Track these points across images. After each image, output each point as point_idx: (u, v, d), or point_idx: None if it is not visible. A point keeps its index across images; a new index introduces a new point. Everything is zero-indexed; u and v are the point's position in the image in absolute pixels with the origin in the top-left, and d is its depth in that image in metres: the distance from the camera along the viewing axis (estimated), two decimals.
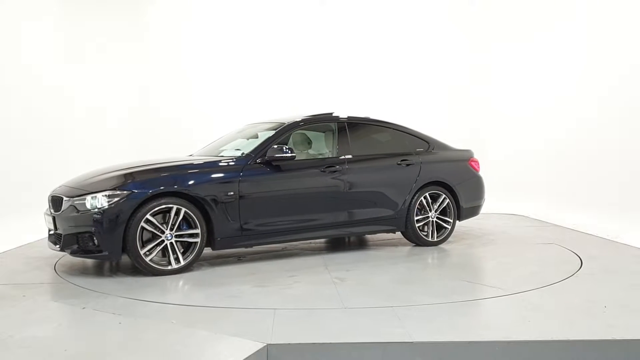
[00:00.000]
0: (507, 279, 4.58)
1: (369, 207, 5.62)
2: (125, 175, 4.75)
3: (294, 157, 5.10)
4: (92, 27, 8.72)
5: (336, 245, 6.18)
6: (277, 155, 5.06)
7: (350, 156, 5.57)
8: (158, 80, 9.54)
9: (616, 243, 6.04)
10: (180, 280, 4.52)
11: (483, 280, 4.56)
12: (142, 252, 4.49)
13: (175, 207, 4.59)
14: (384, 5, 9.67)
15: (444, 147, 6.28)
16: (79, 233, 4.54)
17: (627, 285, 4.29)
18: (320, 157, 5.63)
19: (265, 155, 5.09)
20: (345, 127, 5.73)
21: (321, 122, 5.79)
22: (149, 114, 9.51)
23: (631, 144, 6.45)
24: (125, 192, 4.49)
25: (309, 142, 5.81)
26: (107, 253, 4.46)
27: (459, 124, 9.01)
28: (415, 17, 9.68)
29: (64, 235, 4.64)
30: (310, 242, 6.22)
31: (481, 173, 6.41)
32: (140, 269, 4.58)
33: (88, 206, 4.51)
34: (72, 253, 4.64)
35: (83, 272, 4.86)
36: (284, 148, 5.09)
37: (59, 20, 8.08)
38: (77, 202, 4.59)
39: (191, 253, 4.70)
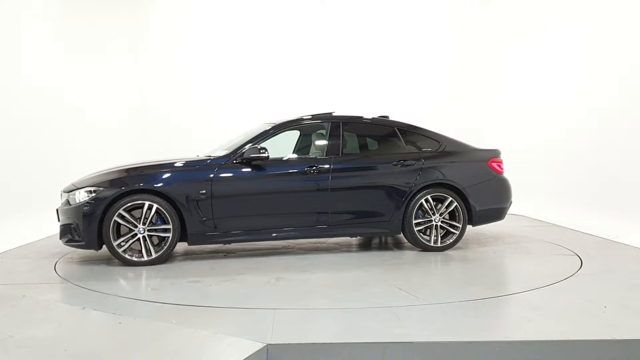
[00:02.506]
0: (496, 283, 4.57)
1: (355, 208, 5.47)
2: (106, 173, 5.17)
3: (268, 157, 5.21)
4: (92, 27, 8.71)
5: (343, 246, 6.15)
6: (252, 155, 5.19)
7: (336, 156, 5.48)
8: (158, 80, 9.54)
9: (616, 243, 6.04)
10: (130, 271, 4.84)
11: (430, 287, 4.28)
12: (115, 244, 4.89)
13: (147, 203, 4.91)
14: (384, 5, 9.67)
15: (460, 146, 5.91)
16: (69, 224, 5.01)
17: (627, 285, 4.29)
18: (308, 157, 5.59)
19: (242, 156, 5.22)
20: (339, 126, 5.64)
21: (313, 122, 5.75)
22: (149, 114, 9.51)
23: (631, 144, 6.45)
24: (100, 188, 4.95)
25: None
26: (84, 243, 4.92)
27: (458, 123, 8.99)
28: (415, 17, 9.68)
29: (60, 226, 5.12)
30: (321, 242, 6.17)
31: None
32: (115, 259, 5.01)
33: (76, 200, 4.99)
34: (65, 242, 5.08)
35: (83, 272, 4.87)
36: (260, 148, 5.20)
37: (59, 21, 8.08)
38: (70, 196, 5.06)
39: (162, 247, 5.01)
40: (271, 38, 9.58)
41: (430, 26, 9.71)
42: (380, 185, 5.52)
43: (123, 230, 5.03)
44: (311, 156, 5.65)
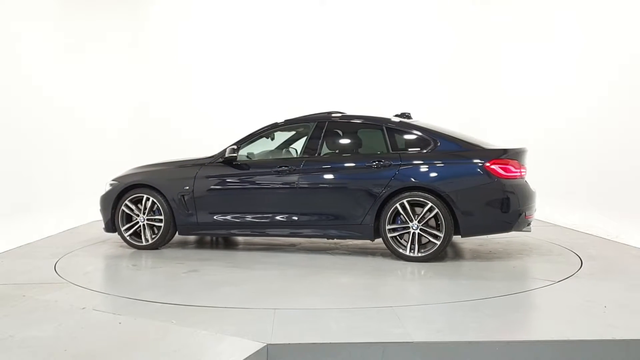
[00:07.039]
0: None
1: (324, 210, 5.31)
2: (127, 170, 6.03)
3: (235, 157, 5.57)
4: (92, 28, 8.70)
5: (355, 250, 6.14)
6: (227, 156, 5.58)
7: (310, 156, 5.45)
8: (159, 81, 9.54)
9: (616, 243, 6.04)
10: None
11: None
12: (122, 229, 5.76)
13: (145, 196, 5.69)
14: (384, 5, 9.67)
15: (460, 145, 5.18)
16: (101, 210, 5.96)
17: (627, 285, 4.29)
18: (284, 158, 5.68)
19: (223, 156, 5.62)
20: (323, 126, 5.55)
21: (299, 123, 5.78)
22: (150, 114, 9.51)
23: (631, 144, 6.44)
24: (115, 182, 5.90)
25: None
26: (104, 227, 5.91)
27: (457, 123, 8.99)
28: (415, 16, 9.69)
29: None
30: (332, 242, 6.08)
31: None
32: (124, 242, 5.82)
33: (104, 191, 5.92)
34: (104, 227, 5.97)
35: (83, 272, 4.87)
36: (234, 149, 5.56)
37: (58, 21, 8.07)
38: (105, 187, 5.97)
39: (157, 235, 5.71)
40: (271, 39, 9.58)
41: (431, 26, 9.71)
42: (350, 187, 5.27)
43: (134, 219, 5.78)
44: (289, 157, 5.75)
